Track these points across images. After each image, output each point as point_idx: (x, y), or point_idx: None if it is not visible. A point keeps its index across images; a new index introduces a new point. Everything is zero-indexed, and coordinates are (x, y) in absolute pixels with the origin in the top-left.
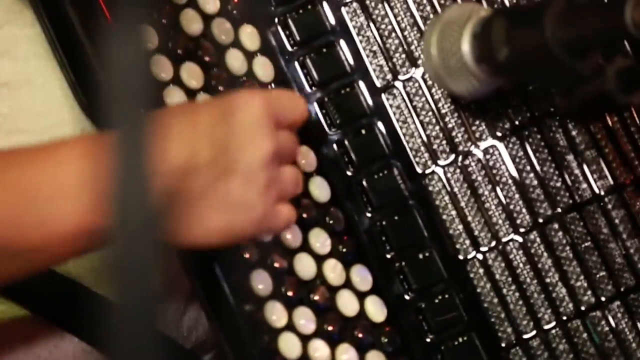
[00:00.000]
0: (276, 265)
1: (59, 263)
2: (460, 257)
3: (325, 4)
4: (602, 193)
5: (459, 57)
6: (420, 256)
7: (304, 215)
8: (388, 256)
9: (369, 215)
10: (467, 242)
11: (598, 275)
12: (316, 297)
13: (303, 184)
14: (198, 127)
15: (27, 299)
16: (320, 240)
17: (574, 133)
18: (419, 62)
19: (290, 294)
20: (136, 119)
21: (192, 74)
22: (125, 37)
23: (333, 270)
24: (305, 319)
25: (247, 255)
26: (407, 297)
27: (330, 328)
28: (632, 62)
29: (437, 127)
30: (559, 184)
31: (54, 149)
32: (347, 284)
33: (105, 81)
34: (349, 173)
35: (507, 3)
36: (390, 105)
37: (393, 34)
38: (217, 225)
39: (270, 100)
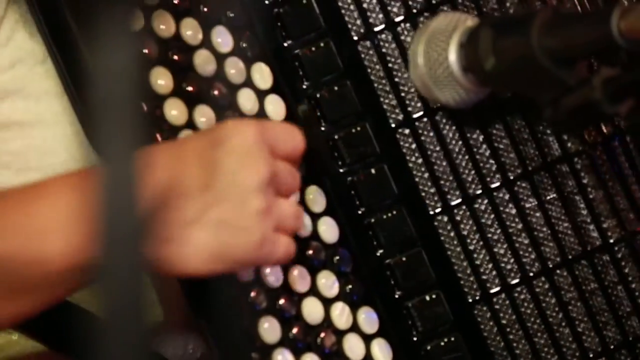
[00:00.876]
0: (284, 310)
1: (64, 298)
2: (469, 299)
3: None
4: (613, 241)
5: (445, 67)
6: (427, 297)
7: (312, 257)
8: (395, 296)
9: (377, 255)
10: (475, 285)
11: (605, 321)
12: (323, 342)
13: (313, 224)
14: (185, 154)
15: (36, 330)
16: (329, 283)
17: (585, 179)
18: (431, 104)
19: (297, 340)
20: (124, 149)
21: (205, 115)
22: (117, 48)
23: (341, 314)
24: None
25: (255, 301)
26: (414, 339)
27: None
28: (618, 71)
29: (448, 169)
30: (568, 230)
31: (44, 187)
32: (354, 327)
33: (96, 91)
34: (358, 212)
35: (494, 13)
36: (402, 146)
37: (404, 74)
38: (209, 248)
39: (264, 128)
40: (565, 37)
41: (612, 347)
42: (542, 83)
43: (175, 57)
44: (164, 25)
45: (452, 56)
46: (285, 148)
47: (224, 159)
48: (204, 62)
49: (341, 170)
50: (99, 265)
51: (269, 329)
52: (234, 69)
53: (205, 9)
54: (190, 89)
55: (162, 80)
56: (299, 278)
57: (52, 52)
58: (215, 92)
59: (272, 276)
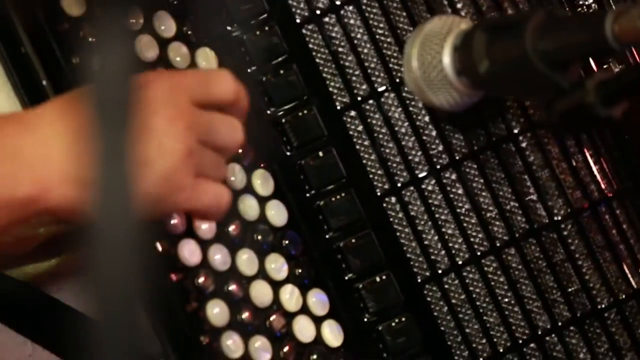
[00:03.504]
0: (233, 294)
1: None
2: (419, 280)
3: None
4: (559, 219)
5: (439, 70)
6: (378, 279)
7: (261, 241)
8: (346, 278)
9: (327, 237)
10: (425, 265)
11: (554, 299)
12: (272, 325)
13: (260, 208)
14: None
15: (23, 327)
16: (277, 266)
17: (531, 158)
18: (377, 86)
19: (246, 323)
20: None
21: None
22: (110, 49)
23: (290, 297)
24: (261, 348)
25: (203, 284)
26: (365, 320)
27: (286, 356)
28: (612, 74)
29: (395, 151)
30: (515, 209)
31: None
32: (304, 309)
33: (91, 92)
34: (307, 195)
35: (487, 16)
36: (349, 128)
37: (351, 55)
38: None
39: (181, 77)
40: (559, 40)
41: (560, 323)
42: (536, 86)
43: None
44: None
45: (446, 59)
46: (210, 95)
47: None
48: (145, 47)
49: (289, 154)
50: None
51: (218, 312)
52: (178, 55)
53: None
54: None
55: None
56: (247, 261)
57: None
58: None
59: (220, 259)
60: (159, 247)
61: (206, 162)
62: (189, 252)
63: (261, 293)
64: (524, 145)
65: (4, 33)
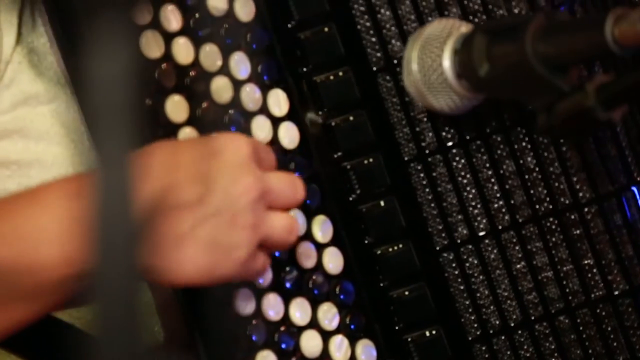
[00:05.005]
0: (282, 343)
1: (55, 310)
2: (469, 338)
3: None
4: (617, 293)
5: (439, 73)
6: (428, 333)
7: (315, 288)
8: (397, 328)
9: (380, 286)
10: (476, 324)
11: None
12: None
13: (317, 254)
14: (180, 163)
15: (23, 348)
16: (329, 316)
17: (591, 224)
18: (445, 140)
19: None
20: (118, 154)
21: None
22: (110, 54)
23: (339, 347)
24: None
25: (254, 333)
26: None
27: None
28: (612, 78)
29: (457, 207)
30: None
31: (36, 194)
32: None
33: (90, 98)
34: (365, 242)
35: (487, 19)
36: (413, 179)
37: (420, 107)
38: (199, 262)
39: (257, 143)
40: (559, 44)
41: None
42: (536, 89)
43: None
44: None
45: (446, 62)
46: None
47: (217, 172)
48: (221, 89)
49: (350, 200)
50: (93, 274)
51: None
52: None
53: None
54: (205, 116)
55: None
56: (300, 310)
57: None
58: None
59: (273, 309)
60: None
61: (275, 230)
62: (245, 301)
63: (311, 343)
64: (588, 216)
65: None
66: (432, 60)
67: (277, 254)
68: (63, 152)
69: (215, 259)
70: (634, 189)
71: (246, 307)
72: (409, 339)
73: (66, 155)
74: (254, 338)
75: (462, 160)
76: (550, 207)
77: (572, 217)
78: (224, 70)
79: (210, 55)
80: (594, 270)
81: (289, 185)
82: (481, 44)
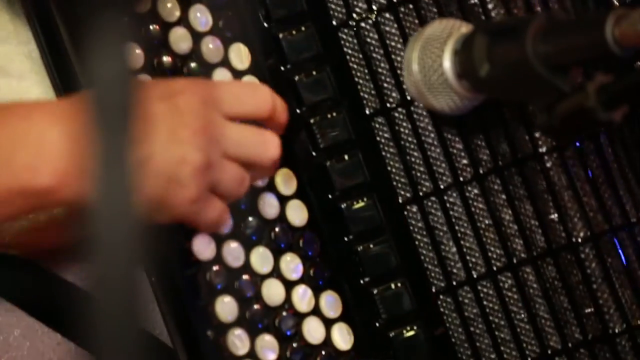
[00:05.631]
0: (243, 290)
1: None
2: (433, 289)
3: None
4: (579, 240)
5: (440, 74)
6: (393, 286)
7: (278, 239)
8: (361, 282)
9: (345, 240)
10: (441, 276)
11: (567, 320)
12: (282, 324)
13: (281, 207)
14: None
15: (15, 295)
16: (292, 266)
17: (555, 178)
18: (408, 95)
19: (255, 320)
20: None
21: None
22: (109, 52)
23: (302, 297)
24: (268, 347)
25: (214, 279)
26: (376, 325)
27: (293, 357)
28: (612, 78)
29: (420, 160)
30: (535, 227)
31: (33, 110)
32: (316, 311)
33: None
34: (329, 197)
35: (488, 19)
36: (377, 134)
37: (384, 62)
38: (145, 196)
39: (218, 89)
40: (559, 44)
41: (570, 345)
42: (537, 89)
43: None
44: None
45: (447, 63)
46: (243, 109)
47: (168, 113)
48: (179, 39)
49: (314, 154)
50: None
51: (226, 308)
52: (212, 49)
53: None
54: (163, 64)
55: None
56: (261, 258)
57: (36, 34)
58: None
59: (233, 255)
60: (173, 241)
61: (226, 179)
62: (203, 246)
63: (273, 292)
64: (549, 165)
65: None
66: (433, 61)
67: (242, 206)
68: (46, 91)
69: (159, 193)
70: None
71: (205, 252)
72: (375, 292)
73: (49, 94)
74: (214, 283)
75: (425, 113)
76: (512, 158)
77: (535, 167)
78: (184, 22)
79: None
80: (556, 220)
81: (257, 138)
82: (481, 45)
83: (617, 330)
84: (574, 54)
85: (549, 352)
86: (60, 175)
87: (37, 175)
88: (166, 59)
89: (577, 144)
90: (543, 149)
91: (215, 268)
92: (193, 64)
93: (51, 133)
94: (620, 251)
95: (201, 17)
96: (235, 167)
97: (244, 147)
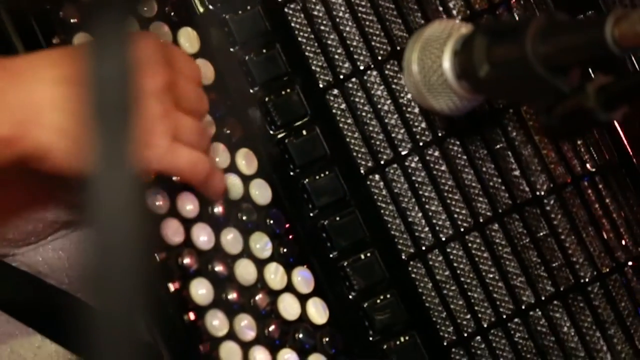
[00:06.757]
0: (217, 272)
1: None
2: (404, 257)
3: None
4: (542, 194)
5: (440, 74)
6: (363, 256)
7: (245, 220)
8: (331, 256)
9: (311, 215)
10: (409, 242)
11: (538, 274)
12: (257, 303)
13: (244, 187)
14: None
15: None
16: (261, 244)
17: (513, 134)
18: (359, 64)
19: (231, 301)
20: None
21: None
22: (107, 52)
23: (274, 274)
24: (246, 326)
25: (187, 263)
26: (350, 297)
27: (271, 333)
28: (612, 79)
29: (378, 129)
30: (498, 185)
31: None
32: (289, 287)
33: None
34: (291, 173)
35: (487, 20)
36: (332, 107)
37: (334, 34)
38: None
39: (167, 44)
40: (559, 45)
41: (544, 298)
42: (536, 90)
43: None
44: None
45: (446, 63)
46: (186, 68)
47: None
48: None
49: (272, 133)
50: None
51: (202, 291)
52: (160, 34)
53: None
54: None
55: None
56: (231, 240)
57: None
58: None
59: (204, 238)
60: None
61: (185, 128)
62: (172, 231)
63: (246, 272)
64: (505, 122)
65: None
66: (432, 62)
67: None
68: None
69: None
70: None
71: (175, 236)
72: (345, 264)
73: None
74: (187, 267)
75: (378, 80)
76: (469, 118)
77: (492, 124)
78: None
79: None
80: (518, 174)
81: (194, 93)
82: (481, 45)
83: (587, 279)
84: (573, 55)
85: (523, 307)
86: (19, 125)
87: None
88: None
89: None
90: (500, 106)
91: (186, 253)
92: None
93: (9, 83)
94: (583, 200)
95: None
96: (191, 118)
97: (187, 101)
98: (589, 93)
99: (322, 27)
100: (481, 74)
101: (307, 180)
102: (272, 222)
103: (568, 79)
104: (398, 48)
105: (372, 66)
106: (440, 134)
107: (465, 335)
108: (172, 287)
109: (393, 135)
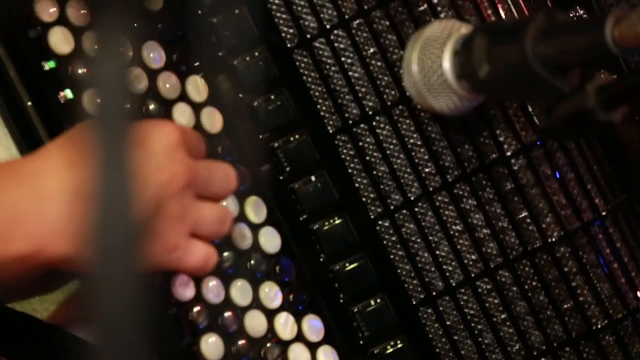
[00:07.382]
0: (227, 325)
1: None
2: (414, 302)
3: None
4: (553, 240)
5: (439, 74)
6: (373, 302)
7: (254, 269)
8: (341, 302)
9: (320, 261)
10: (419, 287)
11: (549, 318)
12: (268, 354)
13: (253, 236)
14: None
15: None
16: (271, 295)
17: (523, 180)
18: (368, 110)
19: (242, 354)
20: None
21: None
22: (106, 55)
23: (285, 324)
24: None
25: (196, 319)
26: (360, 344)
27: None
28: (612, 79)
29: (387, 174)
30: (508, 231)
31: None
32: (299, 337)
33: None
34: (300, 219)
35: (487, 20)
36: (341, 152)
37: (340, 79)
38: None
39: (184, 129)
40: (559, 45)
41: (555, 344)
42: (536, 90)
43: None
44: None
45: (446, 63)
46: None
47: (141, 160)
48: (135, 79)
49: (281, 179)
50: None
51: (212, 346)
52: (168, 84)
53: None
54: None
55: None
56: (241, 291)
57: None
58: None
59: (214, 292)
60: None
61: (204, 220)
62: (183, 286)
63: (256, 323)
64: (515, 167)
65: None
66: (432, 62)
67: (216, 242)
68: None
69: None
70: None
71: (185, 292)
72: (355, 310)
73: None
74: (197, 323)
75: (388, 127)
76: (479, 163)
77: (502, 169)
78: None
79: None
80: (528, 221)
81: (221, 174)
82: (481, 45)
83: (599, 326)
84: (573, 55)
85: (535, 353)
86: (35, 239)
87: (12, 243)
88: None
89: (539, 143)
90: (509, 152)
91: (197, 308)
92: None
93: (21, 195)
94: (594, 245)
95: (155, 56)
96: (211, 206)
97: (211, 185)
98: (589, 93)
99: (330, 73)
100: (481, 74)
101: (316, 226)
102: (281, 270)
103: (568, 79)
104: (407, 94)
105: (381, 111)
106: (449, 179)
107: None
108: (182, 342)
109: (402, 180)
